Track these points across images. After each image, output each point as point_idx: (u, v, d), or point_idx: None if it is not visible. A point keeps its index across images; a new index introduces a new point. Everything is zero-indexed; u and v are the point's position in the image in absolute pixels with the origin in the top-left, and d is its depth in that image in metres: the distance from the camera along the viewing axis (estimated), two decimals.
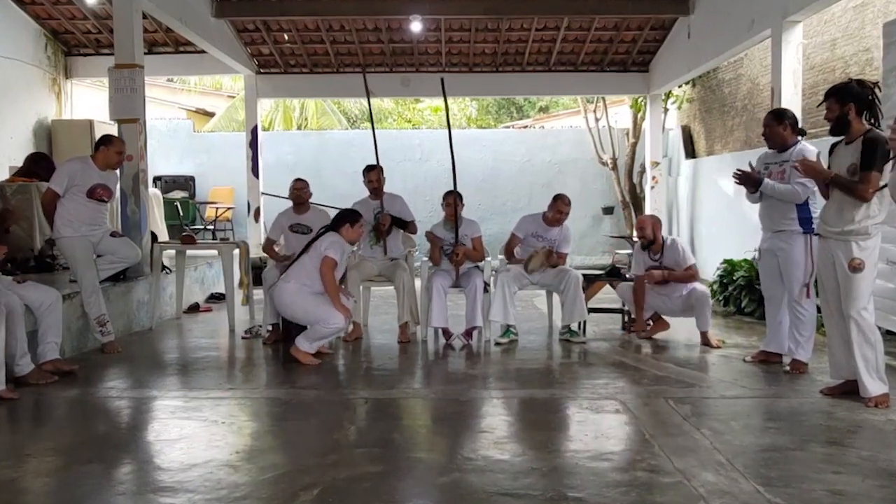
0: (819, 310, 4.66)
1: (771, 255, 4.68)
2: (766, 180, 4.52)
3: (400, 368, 5.01)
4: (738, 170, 4.63)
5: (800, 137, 4.60)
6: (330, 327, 4.91)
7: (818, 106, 4.43)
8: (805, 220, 4.48)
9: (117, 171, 5.59)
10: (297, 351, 4.93)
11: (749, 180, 4.59)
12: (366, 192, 6.05)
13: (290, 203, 6.01)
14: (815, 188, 4.33)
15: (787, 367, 4.62)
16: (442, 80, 5.87)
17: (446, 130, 5.89)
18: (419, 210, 8.45)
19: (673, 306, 5.59)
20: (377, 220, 5.86)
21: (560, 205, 5.78)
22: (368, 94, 6.28)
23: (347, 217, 5.18)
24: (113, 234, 5.46)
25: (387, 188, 6.04)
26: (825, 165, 4.08)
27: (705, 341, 5.41)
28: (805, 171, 4.03)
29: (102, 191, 5.27)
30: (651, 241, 5.59)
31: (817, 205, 4.48)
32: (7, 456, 3.18)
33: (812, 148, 4.50)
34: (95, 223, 5.29)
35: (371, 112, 6.43)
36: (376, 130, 6.25)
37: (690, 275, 5.49)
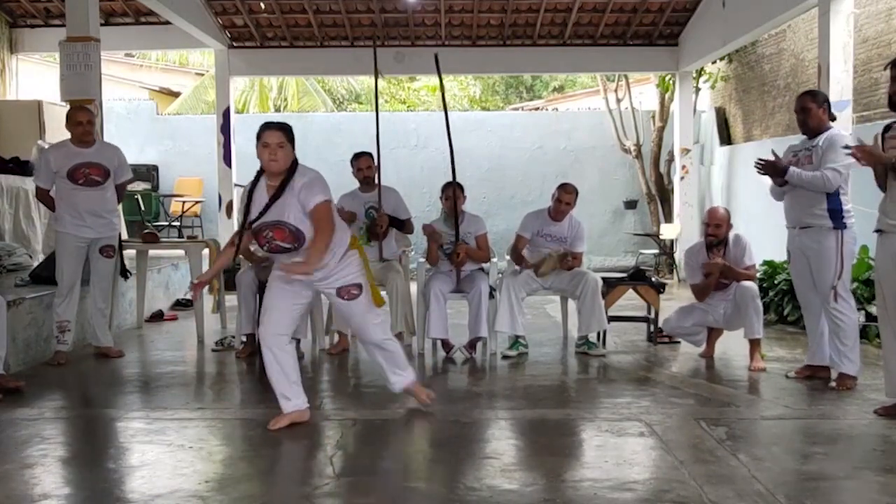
0: (870, 317, 4.66)
1: (801, 256, 4.73)
2: (792, 168, 4.58)
3: None
4: (761, 159, 4.70)
5: (832, 123, 4.69)
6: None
7: (885, 68, 4.40)
8: (835, 213, 4.53)
9: (116, 147, 5.71)
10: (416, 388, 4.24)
11: (774, 169, 4.64)
12: (354, 184, 6.05)
13: None
14: (846, 174, 4.43)
15: (833, 383, 4.63)
16: (436, 55, 5.84)
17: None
18: (415, 204, 8.46)
19: (721, 311, 5.41)
20: (370, 217, 5.85)
21: (562, 194, 5.76)
22: (377, 75, 6.20)
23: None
24: (104, 251, 5.53)
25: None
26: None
27: (752, 355, 5.21)
28: (863, 157, 4.02)
29: (90, 170, 5.37)
30: (719, 241, 5.38)
31: (848, 195, 4.56)
32: None
33: (845, 133, 4.57)
34: (94, 212, 5.42)
35: (377, 96, 6.29)
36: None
37: (750, 276, 5.38)
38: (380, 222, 5.76)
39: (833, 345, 4.66)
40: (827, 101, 4.73)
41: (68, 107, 6.46)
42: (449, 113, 5.81)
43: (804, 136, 4.78)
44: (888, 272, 4.00)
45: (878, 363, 5.06)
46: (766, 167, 4.67)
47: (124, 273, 6.04)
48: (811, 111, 4.63)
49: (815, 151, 4.58)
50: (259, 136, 3.75)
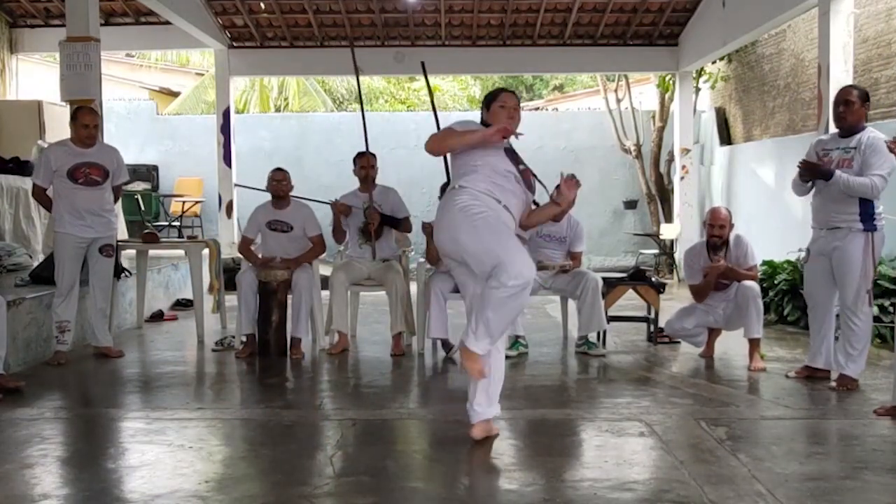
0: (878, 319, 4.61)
1: (822, 256, 4.64)
2: (839, 172, 4.43)
3: (393, 385, 5.01)
4: (805, 160, 4.58)
5: (866, 123, 4.60)
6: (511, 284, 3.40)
7: None
8: (867, 217, 4.45)
9: (116, 149, 5.73)
10: (469, 354, 3.55)
11: (816, 172, 4.52)
12: (354, 185, 6.05)
13: (268, 196, 6.02)
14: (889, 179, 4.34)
15: (833, 383, 4.63)
16: (422, 63, 5.84)
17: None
18: (415, 204, 8.46)
19: (721, 312, 5.42)
20: (367, 217, 5.85)
21: None
22: (357, 72, 6.26)
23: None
24: (104, 250, 5.53)
25: (378, 179, 6.04)
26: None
27: (751, 355, 5.21)
28: None
29: (90, 170, 5.39)
30: (722, 242, 5.34)
31: (881, 199, 4.48)
32: None
33: (881, 134, 4.46)
34: (94, 211, 5.44)
35: (360, 95, 6.38)
36: (366, 113, 6.26)
37: (752, 276, 5.36)
38: (370, 220, 5.77)
39: (841, 347, 4.62)
40: (869, 99, 4.59)
41: (68, 107, 6.48)
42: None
43: (834, 133, 4.65)
44: None
45: (878, 363, 5.08)
46: (809, 169, 4.55)
47: (118, 273, 6.04)
48: (854, 105, 4.48)
49: (856, 154, 4.44)
50: (495, 97, 4.04)
